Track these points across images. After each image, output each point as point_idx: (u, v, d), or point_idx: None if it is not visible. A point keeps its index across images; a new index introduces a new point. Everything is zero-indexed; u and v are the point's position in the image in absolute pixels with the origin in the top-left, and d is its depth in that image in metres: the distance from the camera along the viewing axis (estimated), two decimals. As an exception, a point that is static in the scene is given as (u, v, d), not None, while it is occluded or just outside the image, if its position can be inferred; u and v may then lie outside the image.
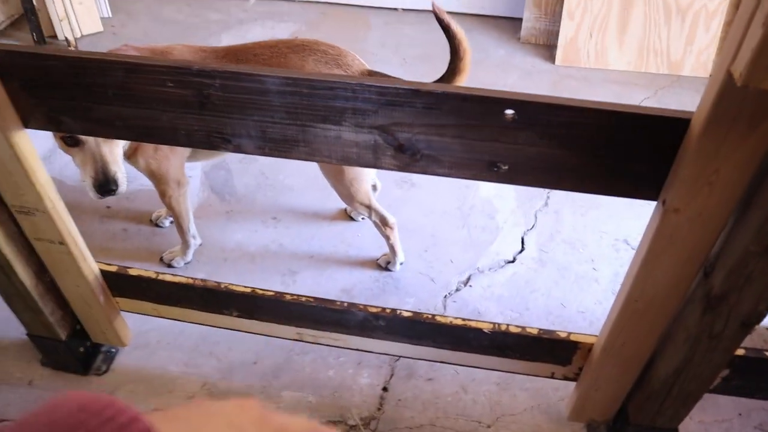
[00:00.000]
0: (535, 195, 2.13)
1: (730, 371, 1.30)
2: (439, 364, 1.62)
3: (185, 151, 1.66)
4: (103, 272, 1.44)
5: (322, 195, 2.10)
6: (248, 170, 2.24)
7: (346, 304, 1.36)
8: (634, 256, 1.07)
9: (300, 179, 2.20)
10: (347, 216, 2.04)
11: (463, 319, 1.33)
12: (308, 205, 2.10)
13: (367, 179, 1.65)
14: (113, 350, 1.65)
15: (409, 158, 1.00)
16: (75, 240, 1.32)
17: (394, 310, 1.35)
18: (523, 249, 1.95)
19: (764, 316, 1.03)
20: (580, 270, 1.87)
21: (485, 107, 0.92)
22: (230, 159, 2.26)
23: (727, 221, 0.95)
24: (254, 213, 2.07)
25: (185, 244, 1.84)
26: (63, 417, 0.32)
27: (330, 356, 1.64)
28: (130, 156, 1.58)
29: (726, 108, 0.80)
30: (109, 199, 2.08)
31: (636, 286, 1.07)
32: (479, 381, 1.59)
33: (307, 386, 1.58)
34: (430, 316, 1.33)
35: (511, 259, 1.91)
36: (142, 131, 1.07)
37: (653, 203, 0.99)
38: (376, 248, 1.92)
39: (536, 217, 2.06)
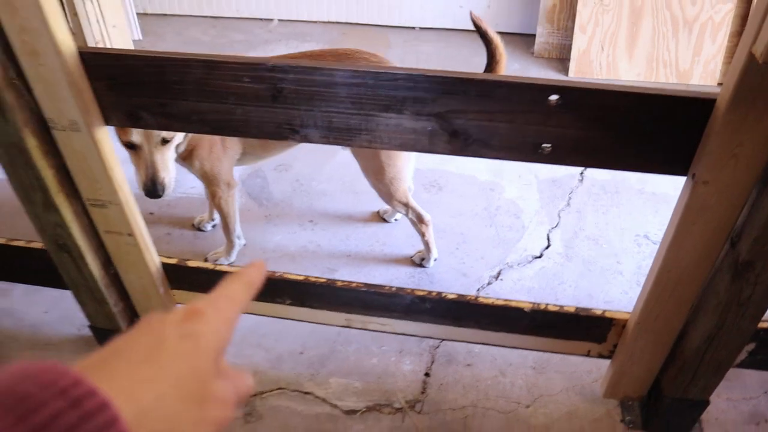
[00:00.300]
0: (558, 196, 2.24)
1: (756, 345, 1.39)
2: (477, 350, 1.72)
3: (235, 155, 1.78)
4: (164, 264, 1.54)
5: (354, 199, 2.21)
6: (283, 177, 2.36)
7: (394, 289, 1.45)
8: (666, 230, 1.17)
9: (333, 185, 2.31)
10: (380, 218, 2.15)
11: (505, 300, 1.42)
12: (342, 209, 2.21)
13: (406, 178, 1.76)
14: (166, 344, 1.74)
15: (462, 143, 1.11)
16: (142, 232, 1.42)
17: (439, 293, 1.44)
18: (549, 245, 2.05)
19: (788, 281, 1.13)
20: (605, 264, 1.97)
21: (532, 94, 1.03)
22: (266, 167, 2.38)
23: (751, 192, 1.05)
24: (291, 217, 2.18)
25: (230, 244, 1.94)
26: (5, 387, 0.28)
27: (373, 345, 1.73)
28: (185, 158, 1.69)
29: (748, 85, 0.91)
30: (153, 205, 2.20)
31: (669, 257, 1.17)
32: (516, 365, 1.68)
33: (353, 373, 1.67)
34: (473, 298, 1.43)
35: (539, 254, 2.01)
36: (216, 125, 1.18)
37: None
38: (409, 246, 2.02)
39: (560, 216, 2.16)
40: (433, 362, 1.69)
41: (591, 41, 2.89)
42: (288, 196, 2.28)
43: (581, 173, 2.37)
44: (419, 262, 1.96)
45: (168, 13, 3.73)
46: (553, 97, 1.02)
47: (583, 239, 2.07)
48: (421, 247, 1.95)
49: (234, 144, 1.74)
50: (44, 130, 1.21)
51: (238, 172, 2.34)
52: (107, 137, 1.25)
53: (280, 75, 1.08)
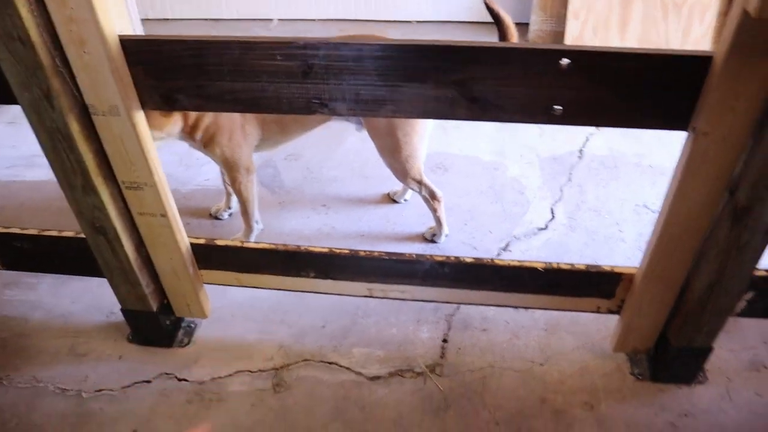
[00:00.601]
0: (559, 172, 2.34)
1: (754, 293, 1.49)
2: (491, 315, 1.81)
3: (254, 141, 1.86)
4: (193, 245, 1.62)
5: (365, 183, 2.30)
6: (294, 166, 2.44)
7: (414, 256, 1.54)
8: (670, 183, 1.26)
9: (343, 171, 2.40)
10: (390, 199, 2.24)
11: (519, 261, 1.52)
12: (353, 193, 2.30)
13: (421, 157, 1.85)
14: (192, 325, 1.82)
15: (480, 108, 1.20)
16: (174, 213, 1.50)
17: (457, 258, 1.53)
18: (553, 218, 2.15)
19: (784, 224, 1.23)
20: (608, 232, 2.07)
21: (545, 58, 1.12)
22: (276, 157, 2.46)
23: (746, 144, 1.15)
24: (304, 203, 2.26)
25: (249, 229, 2.02)
26: None
27: (391, 316, 1.82)
28: (206, 145, 1.77)
29: (743, 40, 1.00)
30: (169, 198, 2.28)
31: (673, 208, 1.26)
32: (528, 328, 1.78)
33: (374, 343, 1.75)
34: (490, 260, 1.52)
35: (544, 226, 2.11)
36: (249, 102, 1.27)
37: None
38: (420, 224, 2.11)
39: (562, 191, 2.26)
40: (449, 329, 1.78)
41: (584, 27, 2.99)
42: (299, 183, 2.36)
43: (580, 150, 2.47)
44: (431, 238, 2.05)
45: (169, 17, 3.80)
46: (565, 61, 1.11)
47: (585, 211, 2.17)
48: (432, 224, 2.04)
49: (253, 129, 1.83)
50: (85, 115, 1.29)
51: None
52: (143, 121, 1.33)
53: (311, 51, 1.17)
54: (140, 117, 1.32)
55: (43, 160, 1.37)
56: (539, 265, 1.50)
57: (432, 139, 2.55)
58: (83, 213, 1.45)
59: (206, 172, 2.43)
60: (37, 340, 1.80)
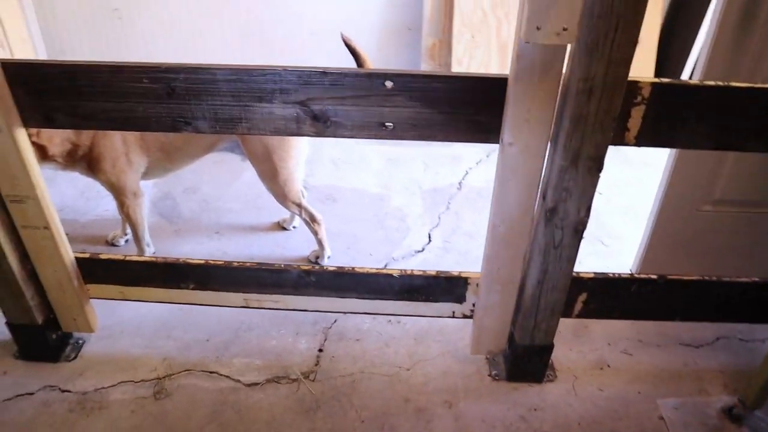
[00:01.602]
0: (439, 202, 2.56)
1: (587, 294, 1.69)
2: (365, 328, 1.96)
3: (140, 167, 1.99)
4: (78, 259, 1.72)
5: (257, 213, 2.46)
6: (192, 198, 2.58)
7: (282, 265, 1.69)
8: (492, 191, 1.47)
9: (238, 203, 2.55)
10: (280, 227, 2.40)
11: (377, 269, 1.68)
12: (246, 222, 2.45)
13: (298, 180, 2.02)
14: (80, 341, 1.89)
15: (322, 125, 1.38)
16: (57, 226, 1.61)
17: (322, 267, 1.69)
18: (430, 241, 2.34)
19: (586, 222, 1.44)
20: (479, 253, 2.26)
21: (371, 80, 1.32)
22: (175, 190, 2.59)
23: (546, 151, 1.37)
24: (200, 230, 2.39)
25: (140, 251, 2.13)
26: None
27: (272, 330, 1.95)
28: (91, 171, 1.90)
29: (524, 62, 1.22)
30: (67, 227, 2.36)
31: (496, 213, 1.46)
32: (399, 338, 1.93)
33: (254, 354, 1.87)
34: (351, 268, 1.68)
35: (421, 249, 2.30)
36: (121, 121, 1.41)
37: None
38: (306, 249, 2.27)
39: (440, 218, 2.47)
40: (325, 340, 1.92)
41: (468, 71, 3.26)
42: (197, 214, 2.49)
43: (459, 182, 2.70)
44: (314, 260, 2.20)
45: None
46: (388, 83, 1.31)
47: (460, 235, 2.37)
48: (316, 247, 2.20)
49: (138, 157, 1.96)
50: (-33, 131, 1.41)
51: (150, 193, 2.55)
52: (25, 138, 1.46)
53: (172, 75, 1.33)
54: (22, 134, 1.44)
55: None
56: (395, 272, 1.67)
57: (323, 173, 2.75)
58: (-35, 226, 1.54)
59: (105, 204, 2.53)
60: None
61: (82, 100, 1.39)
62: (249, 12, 3.29)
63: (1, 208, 1.55)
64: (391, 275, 1.67)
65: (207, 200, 2.58)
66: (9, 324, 1.77)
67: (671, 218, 1.99)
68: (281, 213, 2.40)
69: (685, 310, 1.77)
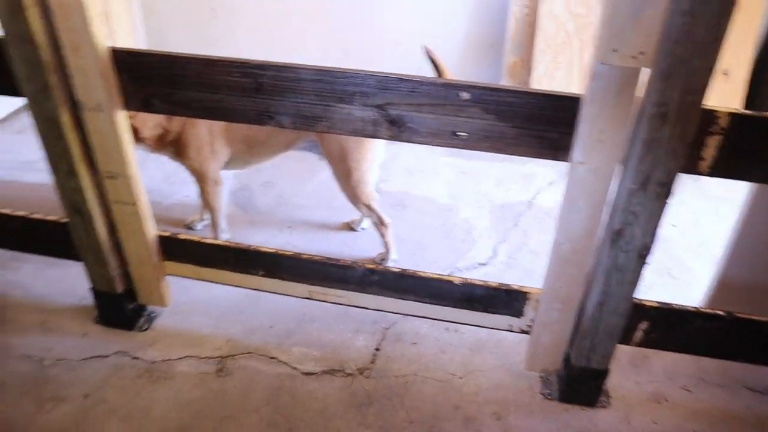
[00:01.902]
0: (507, 218, 2.57)
1: (648, 324, 1.67)
2: (423, 332, 1.99)
3: (223, 157, 2.11)
4: (159, 236, 1.84)
5: (330, 212, 2.54)
6: (269, 192, 2.69)
7: (349, 261, 1.75)
8: (558, 209, 1.48)
9: (312, 200, 2.65)
10: (349, 227, 2.47)
11: (439, 274, 1.72)
12: (318, 219, 2.53)
13: (370, 183, 2.09)
14: (154, 314, 2.02)
15: (397, 129, 1.44)
16: (144, 204, 1.73)
17: (386, 267, 1.74)
18: (494, 255, 2.35)
19: (651, 248, 1.42)
20: (544, 273, 2.26)
21: (447, 91, 1.36)
22: (254, 182, 2.71)
23: (615, 172, 1.37)
24: (272, 223, 2.49)
25: (216, 237, 2.24)
26: None
27: (333, 324, 2.01)
28: (178, 156, 2.03)
29: (599, 82, 1.24)
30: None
31: (561, 230, 1.47)
32: (455, 346, 1.95)
33: (313, 345, 1.94)
34: (413, 271, 1.72)
35: (484, 262, 2.31)
36: (211, 110, 1.51)
37: None
38: (373, 251, 2.33)
39: (507, 234, 2.47)
40: (383, 340, 1.97)
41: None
42: (271, 207, 2.60)
43: (530, 201, 2.70)
44: (380, 262, 2.26)
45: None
46: (464, 94, 1.35)
47: (525, 253, 2.37)
48: (383, 249, 2.25)
49: (221, 147, 2.08)
50: (75, 110, 1.54)
51: (229, 183, 2.68)
52: (124, 119, 1.58)
53: (260, 71, 1.42)
54: (120, 115, 1.57)
55: (42, 165, 1.61)
56: (456, 279, 1.70)
57: (397, 179, 2.81)
58: (65, 195, 1.68)
59: (188, 190, 2.68)
60: (12, 313, 2.01)
61: (177, 89, 1.50)
62: (340, 14, 3.41)
63: (96, 182, 1.68)
64: (452, 282, 1.70)
65: (283, 195, 2.68)
66: (93, 290, 1.91)
67: (745, 257, 1.93)
68: (352, 214, 2.47)
69: (753, 352, 1.71)
